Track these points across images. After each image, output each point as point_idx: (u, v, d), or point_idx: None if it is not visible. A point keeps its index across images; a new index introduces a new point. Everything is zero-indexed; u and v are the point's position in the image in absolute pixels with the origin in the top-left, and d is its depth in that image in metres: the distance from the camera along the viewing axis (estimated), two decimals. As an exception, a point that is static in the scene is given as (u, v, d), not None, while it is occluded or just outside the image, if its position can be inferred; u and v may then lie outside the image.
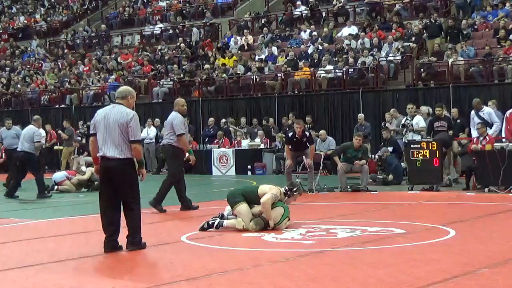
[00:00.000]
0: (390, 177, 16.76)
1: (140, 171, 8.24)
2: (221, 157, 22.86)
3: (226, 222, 9.62)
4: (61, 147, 25.15)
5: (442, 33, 24.30)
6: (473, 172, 14.97)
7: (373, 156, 17.57)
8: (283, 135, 19.94)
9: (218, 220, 9.66)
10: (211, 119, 24.77)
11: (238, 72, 26.51)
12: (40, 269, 7.26)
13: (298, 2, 30.23)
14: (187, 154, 12.70)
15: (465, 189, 14.89)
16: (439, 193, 14.58)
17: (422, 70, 22.75)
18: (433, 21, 24.57)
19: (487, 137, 15.13)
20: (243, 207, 9.56)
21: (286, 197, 9.88)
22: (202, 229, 9.60)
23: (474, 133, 16.48)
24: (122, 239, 8.39)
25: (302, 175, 16.00)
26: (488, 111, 17.24)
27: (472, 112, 17.37)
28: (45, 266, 7.42)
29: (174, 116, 12.35)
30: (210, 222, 9.64)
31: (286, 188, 10.07)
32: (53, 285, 6.55)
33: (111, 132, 8.12)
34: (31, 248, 8.60)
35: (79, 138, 25.16)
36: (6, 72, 34.48)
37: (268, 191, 9.64)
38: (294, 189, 10.04)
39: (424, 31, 24.38)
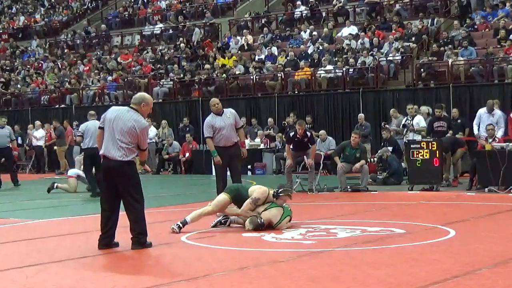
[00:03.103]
0: (391, 179, 16.76)
1: (143, 167, 8.54)
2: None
3: (236, 219, 9.94)
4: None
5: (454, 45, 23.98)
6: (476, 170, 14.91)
7: (372, 159, 17.53)
8: (283, 135, 19.93)
9: (230, 219, 9.98)
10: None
11: (238, 72, 26.51)
12: (40, 269, 7.26)
13: (298, 2, 30.22)
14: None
15: (468, 189, 14.79)
16: (439, 193, 14.58)
17: (422, 70, 22.73)
18: (447, 36, 24.20)
19: (496, 138, 15.11)
20: (220, 195, 9.96)
21: (275, 199, 9.87)
22: (215, 226, 9.98)
23: (481, 131, 16.47)
24: (121, 237, 8.41)
25: (302, 175, 16.01)
26: (499, 114, 17.11)
27: (483, 111, 17.21)
28: (45, 266, 7.42)
29: (206, 119, 12.63)
30: (222, 221, 9.96)
31: (275, 190, 10.08)
32: (53, 285, 6.55)
33: (116, 134, 8.19)
34: (31, 248, 8.59)
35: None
36: (6, 72, 34.48)
37: (256, 190, 9.79)
38: (280, 191, 9.95)
39: (444, 48, 23.50)
